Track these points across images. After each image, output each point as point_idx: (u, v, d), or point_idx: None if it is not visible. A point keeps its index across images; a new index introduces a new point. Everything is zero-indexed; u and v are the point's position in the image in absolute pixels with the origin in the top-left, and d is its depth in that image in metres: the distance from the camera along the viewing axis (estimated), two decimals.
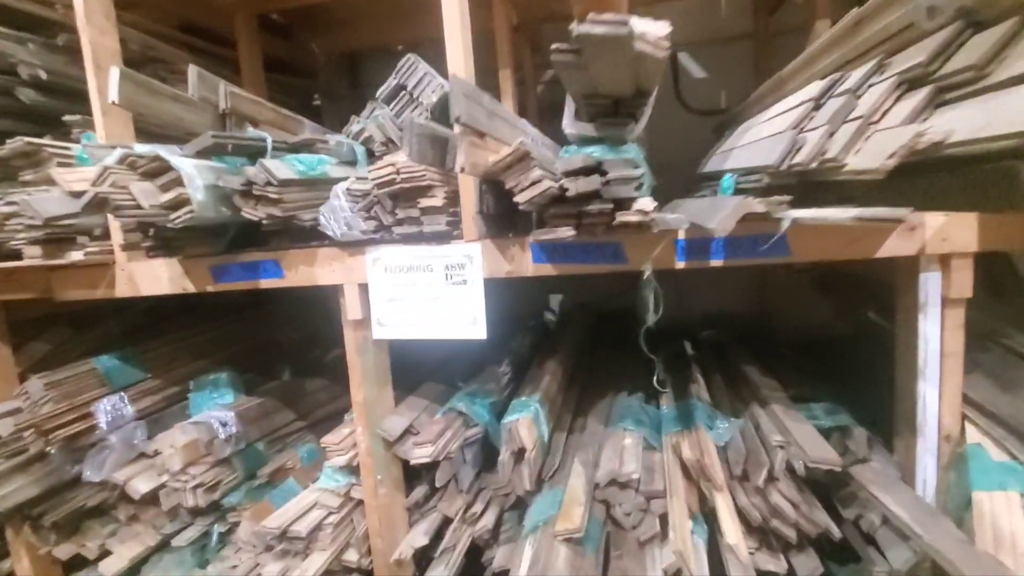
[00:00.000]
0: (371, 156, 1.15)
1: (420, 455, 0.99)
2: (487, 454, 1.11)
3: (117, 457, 1.19)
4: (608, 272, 0.89)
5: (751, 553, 0.88)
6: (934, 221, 0.79)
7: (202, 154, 0.85)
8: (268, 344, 1.81)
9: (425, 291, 0.95)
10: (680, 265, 0.87)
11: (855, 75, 0.61)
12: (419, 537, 1.04)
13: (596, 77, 0.59)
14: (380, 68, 2.05)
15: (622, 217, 0.66)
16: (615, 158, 0.66)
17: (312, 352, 1.98)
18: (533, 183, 0.61)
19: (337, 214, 0.94)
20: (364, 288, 0.99)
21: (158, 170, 0.83)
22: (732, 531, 0.81)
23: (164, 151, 0.82)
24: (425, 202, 0.90)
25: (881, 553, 0.90)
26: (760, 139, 0.78)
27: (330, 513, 1.09)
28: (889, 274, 1.10)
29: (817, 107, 0.65)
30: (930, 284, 0.83)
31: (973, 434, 0.83)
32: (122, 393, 1.25)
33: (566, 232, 0.67)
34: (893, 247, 0.81)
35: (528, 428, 0.98)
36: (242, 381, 1.50)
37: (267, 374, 1.65)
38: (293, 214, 0.91)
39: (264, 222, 0.89)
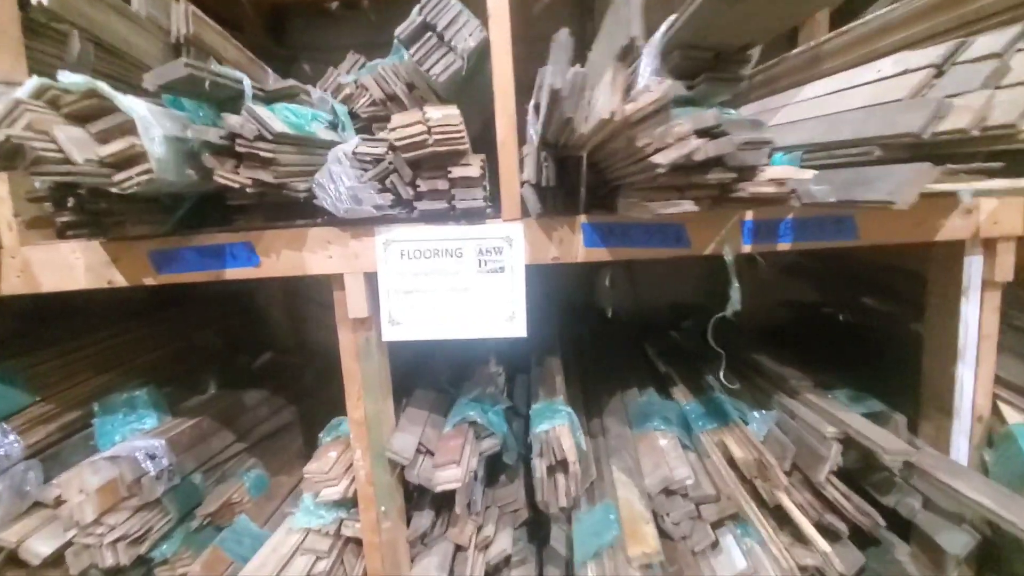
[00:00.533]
0: (354, 119, 0.95)
1: (447, 480, 0.82)
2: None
3: (3, 510, 0.87)
4: (658, 257, 0.79)
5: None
6: (988, 204, 0.79)
7: (169, 89, 0.61)
8: (186, 351, 1.49)
9: (452, 281, 0.79)
10: (747, 248, 0.79)
11: (991, 40, 0.57)
12: (435, 573, 0.87)
13: (747, 13, 0.48)
14: (310, 29, 1.78)
15: (753, 188, 0.56)
16: (736, 119, 0.56)
17: (238, 358, 1.68)
18: (679, 140, 0.48)
19: (339, 184, 0.74)
20: (371, 278, 0.79)
21: (94, 111, 0.58)
22: (812, 533, 0.76)
23: (102, 85, 0.57)
24: (459, 171, 0.73)
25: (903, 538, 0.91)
26: (842, 111, 0.72)
27: (318, 559, 0.88)
28: (897, 259, 1.14)
29: (939, 74, 0.60)
30: (974, 267, 0.84)
31: (1011, 414, 0.85)
32: (3, 425, 0.93)
33: (684, 206, 0.55)
34: (952, 229, 0.80)
35: (567, 437, 0.85)
36: (165, 398, 1.20)
37: (190, 387, 1.35)
38: (285, 182, 0.70)
39: (248, 191, 0.67)
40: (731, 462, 0.89)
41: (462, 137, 0.71)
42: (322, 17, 1.78)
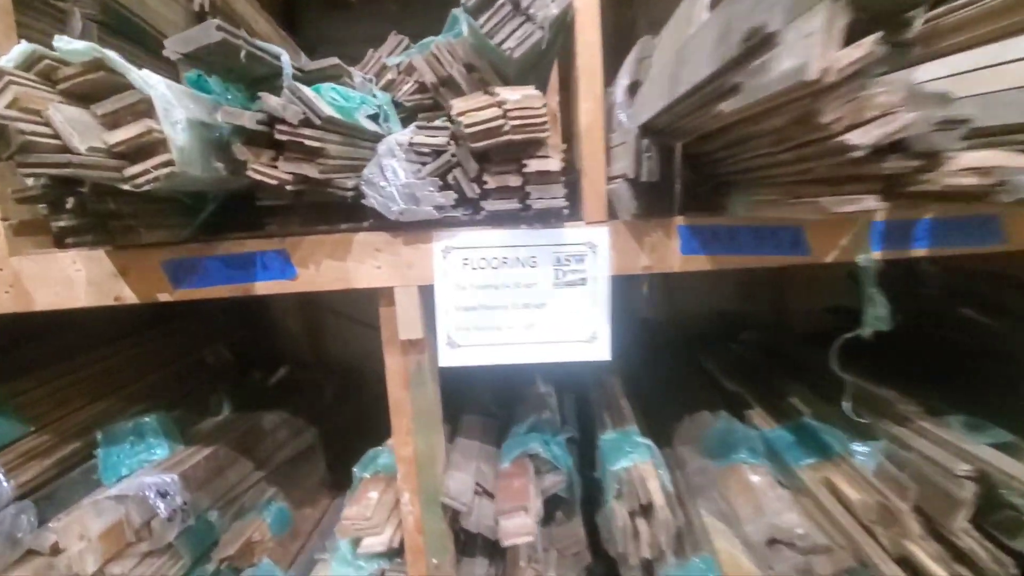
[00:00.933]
0: (396, 108, 0.82)
1: (516, 532, 0.69)
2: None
3: None
4: (770, 266, 0.67)
5: None
6: None
7: (195, 61, 0.49)
8: (195, 368, 1.36)
9: (523, 295, 0.66)
10: (876, 255, 0.66)
11: None
12: None
13: None
14: (326, 20, 1.67)
15: (949, 179, 0.43)
16: (920, 92, 0.44)
17: (251, 375, 1.55)
18: (885, 114, 0.36)
19: (392, 180, 0.62)
20: (426, 291, 0.67)
21: (100, 88, 0.46)
22: None
23: (111, 54, 0.45)
24: (536, 164, 0.61)
25: None
26: (1000, 90, 0.59)
27: None
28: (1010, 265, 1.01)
29: None
30: None
31: None
32: None
33: (868, 202, 0.42)
34: None
35: (652, 477, 0.73)
36: (175, 424, 1.07)
37: (200, 409, 1.22)
38: (332, 177, 0.57)
39: (288, 188, 0.54)
40: (841, 503, 0.77)
41: (544, 123, 0.59)
42: (339, 8, 1.67)
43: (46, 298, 0.65)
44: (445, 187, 0.63)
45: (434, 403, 0.72)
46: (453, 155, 0.62)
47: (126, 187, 0.47)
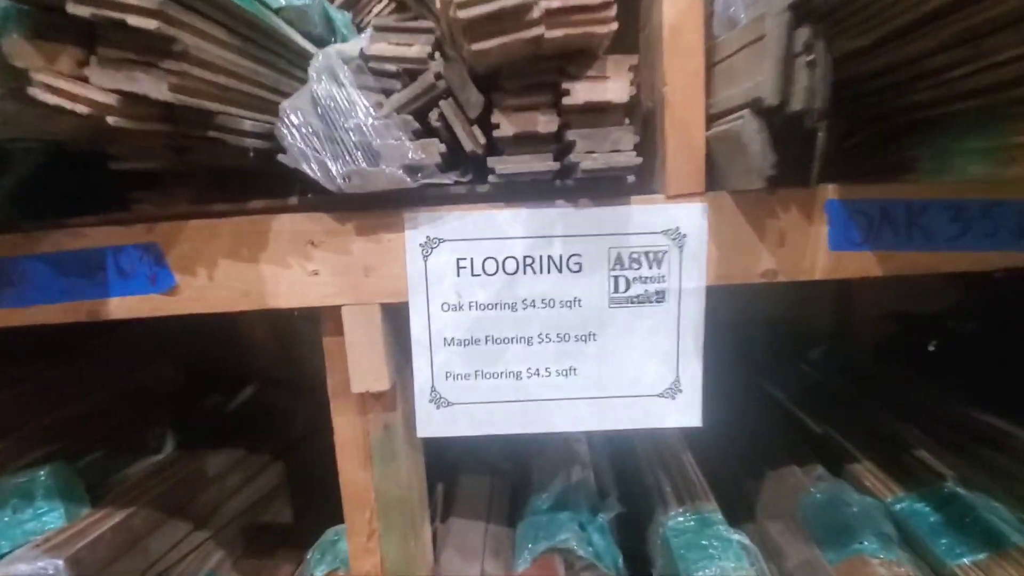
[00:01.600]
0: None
1: None
2: None
3: None
4: (966, 270, 0.39)
5: None
6: None
7: None
8: (128, 396, 1.09)
9: (558, 320, 0.39)
10: None
11: None
12: None
13: None
14: None
15: None
16: None
17: (206, 398, 1.28)
18: None
19: (334, 121, 0.35)
20: (395, 314, 0.40)
21: None
22: None
23: None
24: (585, 90, 0.34)
25: None
26: None
27: None
28: None
29: None
30: None
31: None
32: None
33: None
34: None
35: None
36: (80, 478, 0.81)
37: (133, 449, 0.96)
38: (206, 107, 0.31)
39: (112, 121, 0.28)
40: None
41: (606, 8, 0.31)
42: None
43: None
44: (426, 133, 0.36)
45: (412, 487, 0.45)
46: (439, 77, 0.35)
47: None
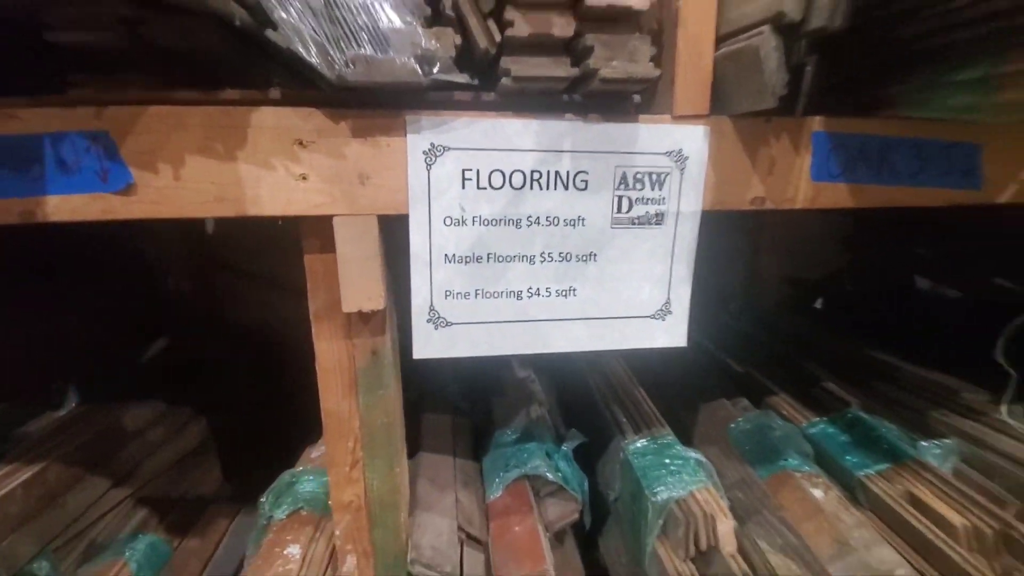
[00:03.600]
0: None
1: None
2: None
3: None
4: (925, 205, 0.44)
5: None
6: None
7: None
8: (29, 344, 0.95)
9: (562, 239, 0.39)
10: None
11: None
12: None
13: None
14: None
15: None
16: None
17: (119, 347, 1.15)
18: None
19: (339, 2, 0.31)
20: (391, 224, 0.38)
21: None
22: None
23: None
24: None
25: None
26: None
27: None
28: None
29: None
30: None
31: None
32: None
33: None
34: None
35: (723, 516, 0.50)
36: None
37: (35, 404, 0.84)
38: None
39: None
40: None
41: None
42: None
43: None
44: (436, 22, 0.33)
45: (396, 415, 0.44)
46: None
47: None
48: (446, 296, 0.38)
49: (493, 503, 0.54)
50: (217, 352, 1.20)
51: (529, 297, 0.39)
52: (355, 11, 0.30)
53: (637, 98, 0.38)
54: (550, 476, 0.56)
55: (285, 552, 0.50)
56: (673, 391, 0.85)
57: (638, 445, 0.59)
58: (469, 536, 0.50)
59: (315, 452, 0.68)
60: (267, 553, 0.51)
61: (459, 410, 0.73)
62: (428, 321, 0.38)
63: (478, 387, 0.78)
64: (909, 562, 0.54)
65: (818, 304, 1.30)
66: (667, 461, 0.56)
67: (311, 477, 0.61)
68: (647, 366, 0.89)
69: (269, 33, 0.31)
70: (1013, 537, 0.53)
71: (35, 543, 0.64)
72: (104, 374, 0.99)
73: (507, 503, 0.53)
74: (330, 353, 0.40)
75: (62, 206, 0.33)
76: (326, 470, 0.62)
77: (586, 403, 0.76)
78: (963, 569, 0.52)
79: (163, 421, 0.92)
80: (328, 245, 0.37)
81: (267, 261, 1.21)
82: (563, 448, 0.61)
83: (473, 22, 0.33)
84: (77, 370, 0.94)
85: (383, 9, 0.30)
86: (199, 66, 0.36)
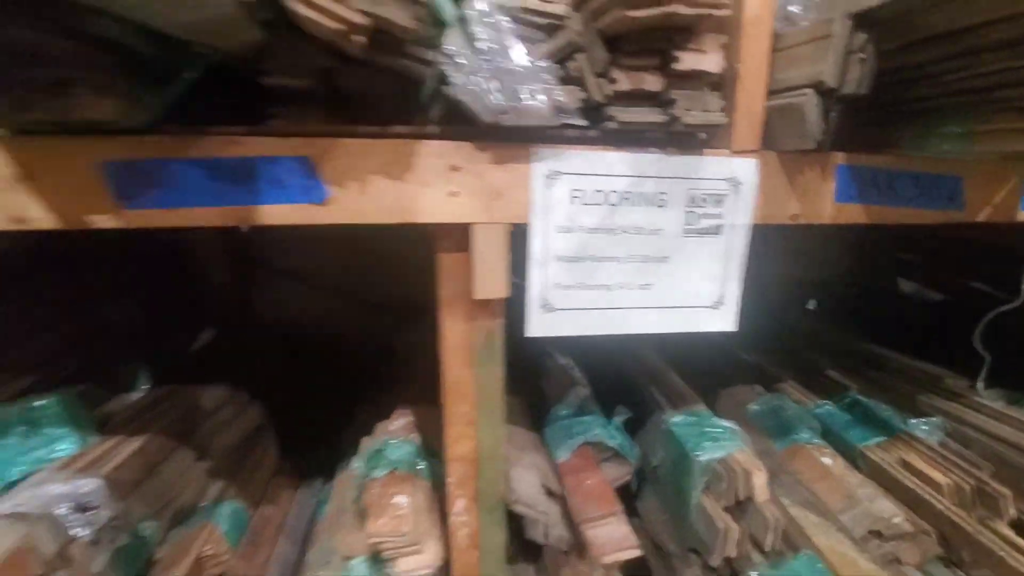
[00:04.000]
0: None
1: (616, 544, 0.54)
2: None
3: None
4: (919, 222, 0.56)
5: None
6: None
7: None
8: (93, 331, 1.04)
9: (644, 244, 0.49)
10: None
11: None
12: None
13: None
14: None
15: None
16: None
17: (172, 336, 1.24)
18: None
19: (494, 59, 0.41)
20: (515, 234, 0.48)
21: None
22: None
23: None
24: (690, 59, 0.44)
25: None
26: None
27: None
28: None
29: None
30: None
31: None
32: None
33: None
34: None
35: (758, 471, 0.61)
36: (81, 405, 0.79)
37: (108, 386, 0.92)
38: (419, 33, 0.36)
39: (353, 39, 0.32)
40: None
41: None
42: None
43: None
44: (566, 81, 0.44)
45: (501, 385, 0.54)
46: (579, 35, 0.43)
47: None
48: (555, 287, 0.49)
49: (563, 464, 0.64)
50: (254, 343, 1.29)
51: (617, 289, 0.50)
52: (512, 74, 0.41)
53: (704, 135, 0.49)
54: (609, 443, 0.66)
55: (395, 501, 0.60)
56: (695, 378, 0.96)
57: (678, 418, 0.70)
58: (549, 490, 0.61)
59: (392, 425, 0.78)
60: (377, 503, 0.60)
61: (513, 391, 0.83)
62: (540, 307, 0.49)
63: (529, 372, 0.88)
64: (904, 513, 0.66)
65: (810, 305, 1.44)
66: (707, 430, 0.67)
67: (397, 444, 0.71)
68: (670, 357, 1.01)
69: (445, 88, 0.41)
70: (987, 492, 0.65)
71: (144, 507, 0.73)
72: (165, 360, 1.07)
73: (576, 463, 0.64)
74: (455, 332, 0.50)
75: (273, 213, 0.43)
76: (408, 439, 0.73)
77: (619, 388, 0.87)
78: (947, 517, 0.64)
79: (231, 402, 1.01)
80: (460, 246, 0.47)
81: (297, 259, 1.31)
82: (614, 420, 0.72)
83: (590, 81, 0.44)
84: (137, 356, 1.02)
85: (529, 76, 0.41)
86: (368, 101, 0.46)
